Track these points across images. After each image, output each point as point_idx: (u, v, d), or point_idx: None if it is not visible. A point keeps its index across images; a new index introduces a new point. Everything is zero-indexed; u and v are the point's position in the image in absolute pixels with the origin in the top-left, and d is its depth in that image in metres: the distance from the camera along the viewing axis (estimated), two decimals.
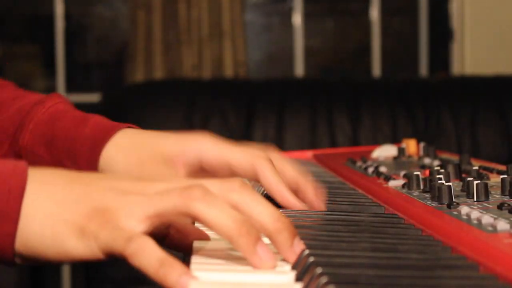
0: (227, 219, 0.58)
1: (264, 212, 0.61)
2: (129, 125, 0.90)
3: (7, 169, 0.62)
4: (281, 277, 0.58)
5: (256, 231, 0.59)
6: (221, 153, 0.82)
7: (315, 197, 0.82)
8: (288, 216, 0.69)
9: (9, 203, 0.60)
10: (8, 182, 0.61)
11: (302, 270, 0.57)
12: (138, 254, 0.58)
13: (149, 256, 0.58)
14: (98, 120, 0.92)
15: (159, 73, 3.31)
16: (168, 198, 0.60)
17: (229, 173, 0.82)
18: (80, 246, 0.60)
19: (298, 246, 0.61)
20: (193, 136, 0.85)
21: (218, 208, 0.59)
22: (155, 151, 0.84)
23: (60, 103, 0.95)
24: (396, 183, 0.91)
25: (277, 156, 0.84)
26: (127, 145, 0.87)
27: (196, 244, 0.67)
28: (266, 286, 0.56)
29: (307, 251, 0.59)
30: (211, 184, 0.62)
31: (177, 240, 0.67)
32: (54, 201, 0.61)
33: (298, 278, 0.57)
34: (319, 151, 1.47)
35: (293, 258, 0.60)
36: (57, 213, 0.61)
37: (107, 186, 0.62)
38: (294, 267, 0.60)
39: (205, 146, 0.83)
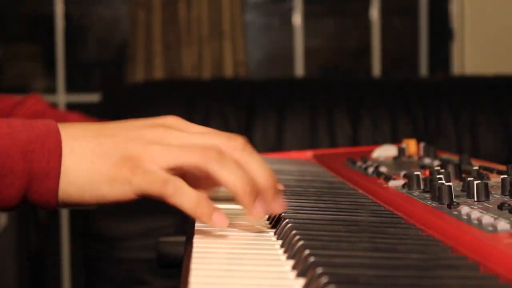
0: (236, 180, 0.70)
1: (259, 170, 0.73)
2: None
3: (41, 130, 0.70)
4: (283, 280, 0.58)
5: (256, 190, 0.71)
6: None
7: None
8: (285, 211, 0.76)
9: (50, 162, 0.68)
10: (46, 143, 0.69)
11: (302, 270, 0.57)
12: (177, 195, 0.68)
13: (187, 196, 0.68)
14: (75, 118, 0.97)
15: (159, 73, 3.31)
16: (189, 154, 0.70)
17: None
18: (114, 191, 0.69)
19: (279, 201, 0.74)
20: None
21: (229, 169, 0.70)
22: None
23: (39, 102, 1.01)
24: (396, 183, 0.91)
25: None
26: None
27: (198, 227, 0.74)
28: (266, 286, 0.56)
29: (307, 251, 0.59)
30: (221, 141, 0.73)
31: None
32: (87, 154, 0.69)
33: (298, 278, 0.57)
34: (319, 151, 1.47)
35: (277, 209, 0.74)
36: (90, 165, 0.69)
37: (131, 136, 0.71)
38: (294, 266, 0.60)
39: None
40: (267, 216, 0.81)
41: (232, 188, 0.70)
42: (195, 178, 0.76)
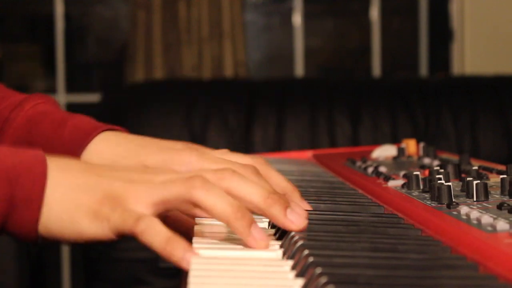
0: (225, 205, 0.66)
1: (253, 193, 0.69)
2: (111, 126, 0.91)
3: (28, 158, 0.68)
4: (282, 280, 0.58)
5: (250, 215, 0.66)
6: None
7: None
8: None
9: (34, 191, 0.66)
10: (32, 171, 0.67)
11: (301, 270, 0.57)
12: (147, 232, 0.64)
13: (157, 234, 0.64)
14: (77, 122, 0.92)
15: (159, 73, 3.31)
16: (172, 186, 0.67)
17: None
18: (93, 227, 0.67)
19: (294, 213, 0.68)
20: (177, 151, 0.86)
21: (216, 195, 0.66)
22: (135, 163, 0.86)
23: (40, 104, 0.95)
24: (395, 183, 0.91)
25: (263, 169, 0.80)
26: (107, 153, 0.88)
27: (197, 227, 0.73)
28: (266, 286, 0.56)
29: (306, 251, 0.59)
30: (206, 173, 0.69)
31: (172, 228, 0.70)
32: (71, 188, 0.68)
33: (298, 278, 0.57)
34: (319, 151, 1.47)
35: (291, 225, 0.68)
36: (73, 199, 0.67)
37: (116, 176, 0.69)
38: (294, 267, 0.60)
39: (187, 163, 0.84)
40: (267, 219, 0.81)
41: (220, 214, 0.66)
42: (183, 220, 0.76)
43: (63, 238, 0.68)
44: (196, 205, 0.67)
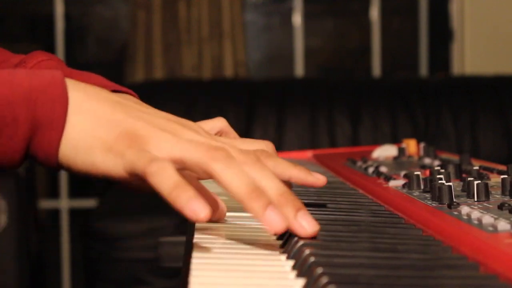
0: (241, 183, 0.63)
1: (270, 186, 0.65)
2: (120, 88, 0.87)
3: (46, 78, 0.65)
4: (283, 280, 0.58)
5: (267, 197, 0.63)
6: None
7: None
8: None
9: (55, 112, 0.64)
10: (51, 92, 0.64)
11: (302, 270, 0.57)
12: (158, 174, 0.62)
13: (167, 177, 0.62)
14: (86, 80, 0.85)
15: (159, 73, 3.31)
16: (195, 149, 0.64)
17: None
18: (106, 161, 0.65)
19: (304, 219, 0.64)
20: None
21: (234, 171, 0.63)
22: None
23: (43, 62, 0.90)
24: (396, 183, 0.91)
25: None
26: None
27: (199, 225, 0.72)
28: (266, 286, 0.56)
29: (307, 251, 0.59)
30: (233, 149, 0.67)
31: None
32: (92, 119, 0.66)
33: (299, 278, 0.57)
34: (319, 151, 1.47)
35: (300, 230, 0.63)
36: (93, 130, 0.65)
37: (145, 117, 0.67)
38: (294, 267, 0.60)
39: None
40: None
41: (236, 190, 0.63)
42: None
43: (76, 168, 0.66)
44: (212, 176, 0.64)
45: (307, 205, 0.69)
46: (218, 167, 0.63)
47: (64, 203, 3.47)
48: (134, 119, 0.67)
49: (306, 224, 0.64)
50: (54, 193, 3.53)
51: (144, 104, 0.75)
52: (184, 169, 0.66)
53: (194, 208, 0.60)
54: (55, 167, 0.67)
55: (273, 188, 0.65)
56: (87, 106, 0.66)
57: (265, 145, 0.81)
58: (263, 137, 2.88)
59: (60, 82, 0.65)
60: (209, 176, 0.65)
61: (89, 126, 0.65)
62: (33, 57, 0.90)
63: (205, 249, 0.65)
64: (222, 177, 0.63)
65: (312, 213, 0.79)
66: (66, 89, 0.65)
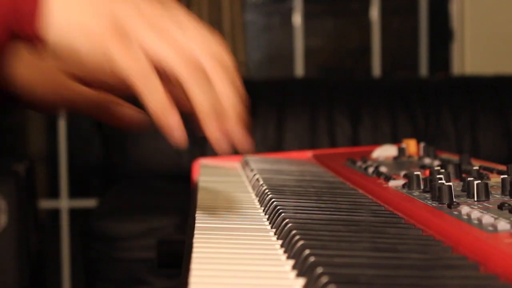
0: (207, 102, 0.66)
1: (232, 104, 0.68)
2: None
3: None
4: (283, 280, 0.58)
5: (221, 115, 0.66)
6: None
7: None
8: (285, 210, 0.69)
9: None
10: None
11: (302, 270, 0.57)
12: (148, 92, 0.63)
13: (158, 98, 0.63)
14: None
15: None
16: (177, 61, 0.64)
17: None
18: (92, 55, 0.63)
19: (242, 134, 0.68)
20: None
21: (204, 90, 0.66)
22: None
23: None
24: (396, 183, 0.91)
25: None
26: None
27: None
28: (266, 286, 0.56)
29: (307, 251, 0.59)
30: (205, 50, 0.68)
31: None
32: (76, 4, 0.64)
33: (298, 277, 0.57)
34: (319, 151, 1.47)
35: (240, 142, 0.68)
36: (79, 14, 0.63)
37: (131, 5, 0.65)
38: (294, 266, 0.60)
39: None
40: (267, 216, 0.82)
41: (199, 107, 0.65)
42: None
43: (60, 52, 0.64)
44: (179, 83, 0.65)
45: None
46: (190, 84, 0.64)
47: (64, 203, 3.47)
48: (119, 4, 0.64)
49: (240, 139, 0.67)
50: (54, 193, 3.53)
51: None
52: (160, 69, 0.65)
53: (176, 136, 0.64)
54: (40, 44, 0.64)
55: (232, 107, 0.67)
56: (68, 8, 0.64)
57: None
58: (263, 137, 2.88)
59: None
60: (178, 82, 0.65)
61: (74, 13, 0.64)
62: None
63: (205, 249, 0.65)
64: (193, 96, 0.65)
65: (312, 213, 0.79)
66: None
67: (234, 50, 3.32)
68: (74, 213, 3.48)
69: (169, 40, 0.65)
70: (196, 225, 0.75)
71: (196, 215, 0.82)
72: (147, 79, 0.64)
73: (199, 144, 2.82)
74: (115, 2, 0.64)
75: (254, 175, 1.07)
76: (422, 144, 1.20)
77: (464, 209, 0.70)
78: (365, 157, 1.21)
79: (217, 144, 0.66)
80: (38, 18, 0.63)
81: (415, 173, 0.87)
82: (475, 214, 0.68)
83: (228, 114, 0.67)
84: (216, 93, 0.67)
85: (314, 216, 0.76)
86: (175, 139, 0.66)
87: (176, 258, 1.16)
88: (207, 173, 1.21)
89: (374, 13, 3.57)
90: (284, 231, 0.70)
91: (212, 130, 0.66)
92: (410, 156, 1.21)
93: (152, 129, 0.74)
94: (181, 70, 0.65)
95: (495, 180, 0.87)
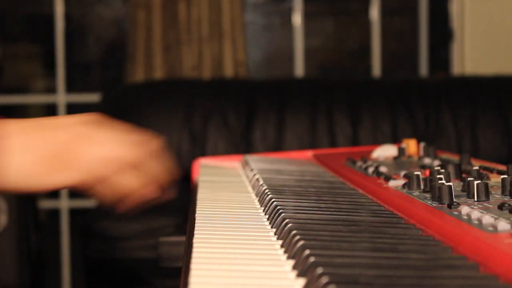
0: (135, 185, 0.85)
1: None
2: None
3: None
4: (283, 280, 0.58)
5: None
6: None
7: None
8: (285, 211, 0.69)
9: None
10: None
11: (302, 270, 0.57)
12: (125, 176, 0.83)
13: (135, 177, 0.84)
14: None
15: (159, 73, 3.31)
16: (102, 166, 0.82)
17: None
18: (53, 178, 0.79)
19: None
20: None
21: (128, 178, 0.85)
22: None
23: None
24: (396, 183, 0.91)
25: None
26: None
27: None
28: (267, 286, 0.56)
29: (307, 252, 0.59)
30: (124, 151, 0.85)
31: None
32: (30, 149, 0.78)
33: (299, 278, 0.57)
34: (319, 151, 1.47)
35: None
36: (32, 151, 0.77)
37: (62, 133, 0.80)
38: (295, 267, 0.60)
39: None
40: (267, 216, 0.82)
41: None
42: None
43: (29, 190, 0.79)
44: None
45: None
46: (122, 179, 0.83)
47: (64, 203, 3.47)
48: (55, 139, 0.80)
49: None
50: (54, 193, 3.53)
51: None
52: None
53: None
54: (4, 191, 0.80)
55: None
56: (20, 142, 0.78)
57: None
58: (263, 137, 2.88)
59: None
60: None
61: (28, 149, 0.78)
62: None
63: (205, 249, 0.65)
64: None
65: (312, 213, 0.79)
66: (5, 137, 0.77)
67: (234, 50, 3.32)
68: (74, 213, 3.48)
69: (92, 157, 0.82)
70: (196, 225, 0.75)
71: (196, 215, 0.82)
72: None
73: (199, 144, 2.82)
74: (52, 139, 0.80)
75: (254, 175, 1.07)
76: (422, 144, 1.20)
77: (464, 209, 0.70)
78: (365, 157, 1.21)
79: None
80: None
81: (415, 173, 0.87)
82: (475, 214, 0.68)
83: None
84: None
85: (314, 216, 0.76)
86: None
87: (176, 258, 1.16)
88: (207, 173, 1.21)
89: (374, 13, 3.57)
90: (284, 231, 0.70)
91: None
92: (410, 156, 1.21)
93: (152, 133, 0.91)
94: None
95: (495, 180, 0.87)
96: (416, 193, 0.84)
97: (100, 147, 0.83)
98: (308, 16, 3.61)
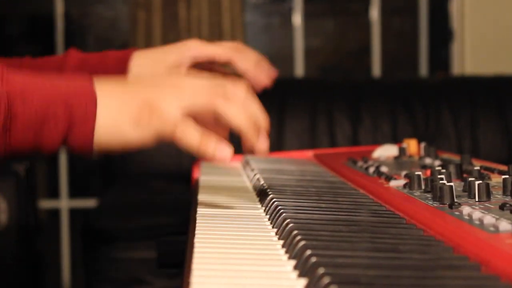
0: (242, 117, 0.81)
1: (259, 116, 0.85)
2: (129, 52, 1.14)
3: (81, 84, 0.80)
4: (284, 281, 0.58)
5: (258, 127, 0.83)
6: (205, 48, 1.13)
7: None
8: (286, 210, 0.69)
9: (87, 111, 0.78)
10: (85, 95, 0.79)
11: (304, 270, 0.57)
12: (184, 133, 0.78)
13: (193, 133, 0.78)
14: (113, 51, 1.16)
15: None
16: (199, 95, 0.80)
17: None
18: (137, 133, 0.79)
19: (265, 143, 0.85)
20: (184, 43, 1.14)
21: (235, 107, 0.81)
22: (165, 66, 1.11)
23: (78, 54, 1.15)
24: (397, 183, 0.91)
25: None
26: (145, 63, 1.12)
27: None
28: (268, 286, 0.56)
29: (309, 252, 0.59)
30: (227, 86, 0.82)
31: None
32: (115, 104, 0.79)
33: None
34: (320, 151, 1.47)
35: (263, 145, 0.84)
36: (117, 112, 0.79)
37: (150, 84, 0.82)
38: (296, 267, 0.60)
39: (193, 46, 1.13)
40: (268, 216, 0.82)
41: (238, 123, 0.81)
42: (208, 122, 0.86)
43: (111, 147, 0.80)
44: (218, 113, 0.80)
45: None
46: (222, 105, 0.80)
47: (64, 203, 3.47)
48: (144, 89, 0.81)
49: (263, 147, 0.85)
50: (54, 193, 3.53)
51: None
52: (196, 112, 0.80)
53: (220, 153, 0.79)
54: (90, 154, 0.80)
55: (262, 119, 0.85)
56: (110, 99, 0.80)
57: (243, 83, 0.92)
58: None
59: (90, 88, 0.79)
60: (216, 112, 0.80)
61: (114, 112, 0.79)
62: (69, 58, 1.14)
63: (206, 249, 0.65)
64: (227, 114, 0.80)
65: (313, 213, 0.79)
66: (95, 94, 0.79)
67: None
68: (74, 213, 3.48)
69: (185, 89, 0.81)
70: (197, 225, 0.75)
71: (197, 215, 0.82)
72: (176, 129, 0.80)
73: None
74: (141, 90, 0.82)
75: (255, 174, 1.07)
76: (423, 144, 1.20)
77: (465, 210, 0.70)
78: (366, 157, 1.21)
79: (261, 149, 0.84)
80: (91, 135, 0.79)
81: (416, 173, 0.87)
82: (476, 214, 0.68)
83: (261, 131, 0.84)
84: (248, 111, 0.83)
85: (315, 216, 0.76)
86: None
87: (176, 258, 1.16)
88: (207, 173, 1.21)
89: (374, 13, 3.57)
90: (285, 231, 0.70)
91: (255, 140, 0.83)
92: (411, 156, 1.21)
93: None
94: (209, 101, 0.81)
95: (496, 180, 0.87)
96: (417, 193, 0.84)
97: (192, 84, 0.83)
98: (308, 16, 3.61)
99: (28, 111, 0.77)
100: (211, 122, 0.84)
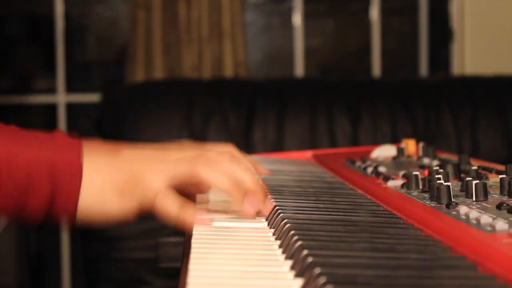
0: (225, 180, 0.81)
1: (246, 179, 0.82)
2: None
3: (67, 155, 0.80)
4: (281, 281, 0.58)
5: (244, 190, 0.81)
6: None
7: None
8: (284, 211, 0.69)
9: (72, 184, 0.79)
10: (69, 165, 0.80)
11: (300, 270, 0.57)
12: (164, 202, 0.79)
13: (172, 202, 0.79)
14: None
15: (159, 73, 3.31)
16: (182, 164, 0.81)
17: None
18: (120, 204, 0.80)
19: (269, 203, 0.82)
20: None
21: (217, 172, 0.81)
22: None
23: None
24: (395, 183, 0.91)
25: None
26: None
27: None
28: (265, 286, 0.56)
29: (305, 252, 0.59)
30: (209, 153, 0.84)
31: None
32: (101, 172, 0.81)
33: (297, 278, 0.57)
34: (319, 151, 1.47)
35: (266, 212, 0.81)
36: (102, 180, 0.80)
37: (138, 156, 0.83)
38: (293, 267, 0.60)
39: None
40: (266, 217, 0.82)
41: (222, 186, 0.81)
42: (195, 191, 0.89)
43: (94, 219, 0.81)
44: (201, 180, 0.81)
45: None
46: (203, 172, 0.81)
47: None
48: (131, 162, 0.82)
49: (267, 208, 0.82)
50: None
51: (133, 146, 0.90)
52: (180, 183, 0.82)
53: (200, 221, 0.77)
54: (74, 225, 0.83)
55: (249, 181, 0.82)
56: (96, 170, 0.81)
57: (231, 148, 0.93)
58: (263, 137, 2.88)
59: (76, 161, 0.80)
60: (200, 180, 0.81)
61: (99, 184, 0.80)
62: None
63: (203, 249, 0.65)
64: (209, 178, 0.81)
65: (311, 213, 0.79)
66: (81, 167, 0.80)
67: (234, 50, 3.33)
68: None
69: (169, 162, 0.83)
70: (195, 225, 0.75)
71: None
72: (156, 196, 0.81)
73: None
74: (127, 164, 0.83)
75: None
76: (421, 144, 1.20)
77: (463, 209, 0.70)
78: (364, 157, 1.21)
79: (246, 211, 0.81)
80: (74, 207, 0.80)
81: (414, 173, 0.87)
82: (474, 214, 0.68)
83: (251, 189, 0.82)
84: (232, 171, 0.83)
85: (313, 216, 0.77)
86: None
87: (176, 258, 1.16)
88: None
89: (374, 13, 3.57)
90: (283, 231, 0.70)
91: (240, 202, 0.81)
92: (409, 156, 1.21)
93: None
94: (191, 169, 0.82)
95: (493, 180, 0.87)
96: (415, 193, 0.84)
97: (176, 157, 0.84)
98: (308, 16, 3.61)
99: (13, 181, 0.78)
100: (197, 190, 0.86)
